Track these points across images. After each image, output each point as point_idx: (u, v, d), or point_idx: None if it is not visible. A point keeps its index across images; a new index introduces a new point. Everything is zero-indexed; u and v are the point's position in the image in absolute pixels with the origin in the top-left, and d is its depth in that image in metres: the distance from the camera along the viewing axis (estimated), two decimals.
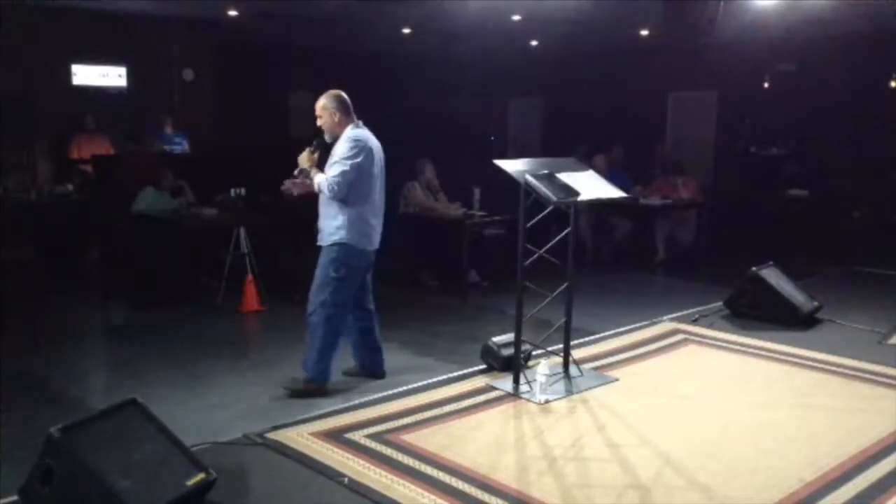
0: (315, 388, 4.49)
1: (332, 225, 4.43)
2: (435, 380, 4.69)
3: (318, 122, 4.49)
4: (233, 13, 9.26)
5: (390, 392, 4.45)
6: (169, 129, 9.45)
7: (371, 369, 4.81)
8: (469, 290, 7.09)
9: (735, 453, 3.70)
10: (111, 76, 9.86)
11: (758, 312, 6.07)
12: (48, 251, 7.09)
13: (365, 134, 4.45)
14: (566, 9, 8.34)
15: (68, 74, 9.50)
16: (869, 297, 6.98)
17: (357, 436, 3.83)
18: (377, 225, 4.53)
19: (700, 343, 5.60)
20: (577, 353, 4.93)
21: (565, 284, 4.74)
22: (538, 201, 4.37)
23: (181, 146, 9.43)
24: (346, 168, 4.31)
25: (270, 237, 7.30)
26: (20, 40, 8.68)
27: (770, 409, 4.28)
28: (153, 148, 9.22)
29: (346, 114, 4.44)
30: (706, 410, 4.28)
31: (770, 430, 3.99)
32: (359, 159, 4.33)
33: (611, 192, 4.81)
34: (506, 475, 3.43)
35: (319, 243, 4.52)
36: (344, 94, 4.47)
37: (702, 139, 11.65)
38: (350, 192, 4.34)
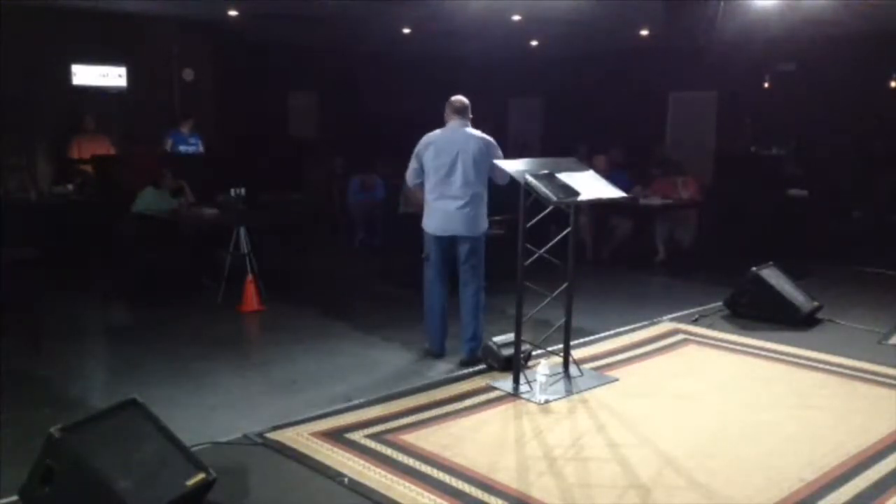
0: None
1: None
2: (435, 380, 4.69)
3: None
4: (233, 13, 9.26)
5: (390, 392, 4.45)
6: (185, 130, 9.45)
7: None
8: None
9: (735, 453, 3.70)
10: (111, 76, 9.86)
11: (758, 312, 6.07)
12: (48, 251, 7.08)
13: (431, 134, 5.07)
14: (566, 9, 8.34)
15: (68, 74, 9.50)
16: (869, 297, 6.98)
17: (357, 436, 3.83)
18: (448, 212, 4.97)
19: (700, 343, 5.60)
20: (577, 353, 4.93)
21: (565, 284, 4.74)
22: (538, 201, 4.37)
23: (196, 146, 9.45)
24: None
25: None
26: (20, 40, 8.68)
27: (770, 409, 4.28)
28: (165, 148, 9.24)
29: (447, 116, 5.09)
30: (706, 410, 4.28)
31: (770, 430, 3.99)
32: (416, 150, 5.08)
33: (611, 192, 4.80)
34: (506, 475, 3.43)
35: None
36: (454, 99, 5.07)
37: (702, 139, 11.64)
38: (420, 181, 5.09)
